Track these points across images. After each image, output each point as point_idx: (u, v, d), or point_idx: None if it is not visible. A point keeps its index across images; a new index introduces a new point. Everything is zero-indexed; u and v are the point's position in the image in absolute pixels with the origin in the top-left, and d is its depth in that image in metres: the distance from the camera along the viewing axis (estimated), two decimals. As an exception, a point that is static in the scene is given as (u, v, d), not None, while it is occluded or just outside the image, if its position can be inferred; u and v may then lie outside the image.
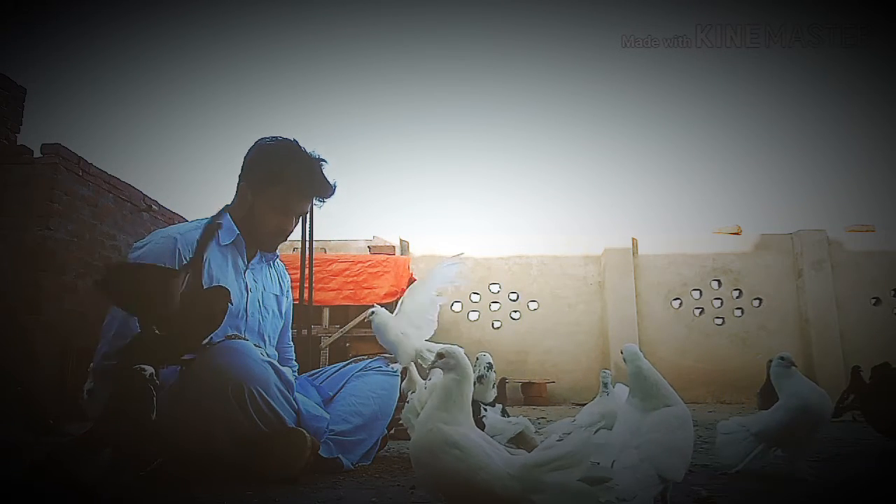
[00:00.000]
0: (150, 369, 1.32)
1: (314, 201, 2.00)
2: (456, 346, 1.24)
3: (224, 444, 1.63)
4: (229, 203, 1.93)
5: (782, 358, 1.82)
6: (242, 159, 1.92)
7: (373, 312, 2.20)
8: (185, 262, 1.73)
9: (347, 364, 2.13)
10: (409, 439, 2.67)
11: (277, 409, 1.66)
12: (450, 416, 1.13)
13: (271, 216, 1.87)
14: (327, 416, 1.86)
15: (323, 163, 1.88)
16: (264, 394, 1.62)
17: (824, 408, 1.77)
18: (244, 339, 1.76)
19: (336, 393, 2.01)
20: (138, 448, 1.54)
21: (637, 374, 1.40)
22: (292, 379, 1.79)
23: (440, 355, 1.22)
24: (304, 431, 1.67)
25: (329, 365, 2.34)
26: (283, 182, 1.84)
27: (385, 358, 2.18)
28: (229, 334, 1.74)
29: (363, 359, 2.17)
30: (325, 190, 1.91)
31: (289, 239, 2.02)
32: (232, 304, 1.76)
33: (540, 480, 1.01)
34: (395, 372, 2.11)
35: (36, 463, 1.25)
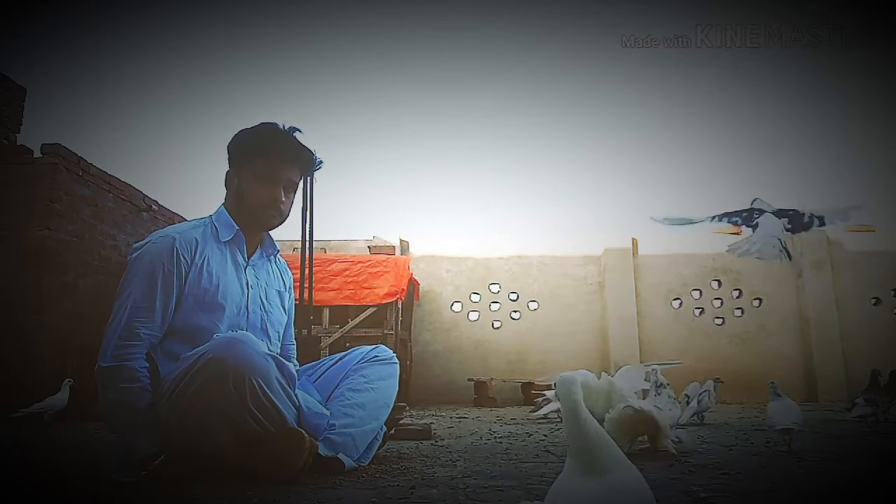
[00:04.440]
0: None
1: (307, 177, 2.04)
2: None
3: (224, 439, 1.63)
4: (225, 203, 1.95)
5: None
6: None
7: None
8: (183, 261, 1.74)
9: (346, 355, 2.11)
10: (409, 439, 2.70)
11: (277, 403, 1.65)
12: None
13: (258, 187, 1.88)
14: (328, 413, 1.86)
15: (298, 132, 1.93)
16: (265, 386, 1.62)
17: None
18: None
19: (335, 388, 2.01)
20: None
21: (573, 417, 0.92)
22: (294, 373, 1.79)
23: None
24: (303, 431, 1.67)
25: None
26: (263, 151, 1.88)
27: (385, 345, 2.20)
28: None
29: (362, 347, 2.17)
30: (304, 153, 1.95)
31: (289, 239, 2.04)
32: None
33: None
34: (393, 360, 2.11)
35: None
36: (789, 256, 2.37)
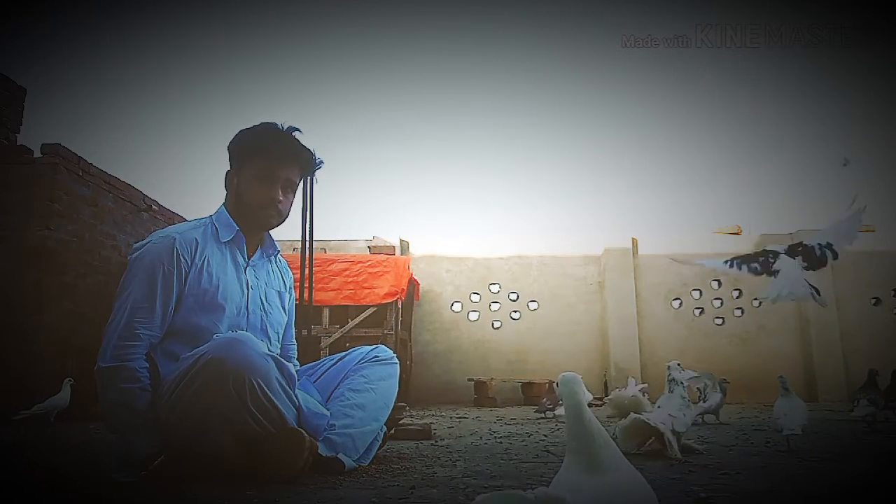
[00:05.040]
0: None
1: (308, 177, 2.08)
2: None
3: (224, 440, 1.63)
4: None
5: None
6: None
7: None
8: (183, 261, 1.75)
9: (346, 355, 2.11)
10: (409, 439, 2.70)
11: (278, 403, 1.65)
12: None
13: (257, 187, 1.88)
14: (328, 414, 1.86)
15: (297, 131, 1.93)
16: (265, 386, 1.62)
17: None
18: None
19: (335, 388, 2.01)
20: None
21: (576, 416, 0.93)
22: (294, 373, 1.79)
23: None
24: (303, 431, 1.67)
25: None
26: (261, 150, 1.88)
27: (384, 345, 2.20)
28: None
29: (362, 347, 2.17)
30: (303, 153, 1.95)
31: (289, 239, 2.03)
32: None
33: None
34: (393, 360, 2.11)
35: None
36: (818, 293, 2.46)
